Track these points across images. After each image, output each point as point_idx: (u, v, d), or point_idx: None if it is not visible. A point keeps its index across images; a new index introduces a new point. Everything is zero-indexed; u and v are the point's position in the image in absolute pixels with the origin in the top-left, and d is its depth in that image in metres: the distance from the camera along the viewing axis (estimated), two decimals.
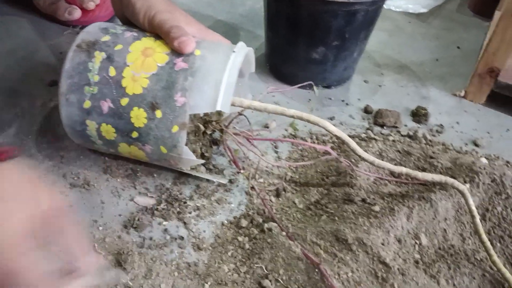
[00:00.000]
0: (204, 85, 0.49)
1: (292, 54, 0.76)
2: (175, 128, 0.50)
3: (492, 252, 0.50)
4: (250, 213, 0.57)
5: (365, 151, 0.62)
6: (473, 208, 0.51)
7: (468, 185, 0.55)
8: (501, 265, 0.49)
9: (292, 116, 0.53)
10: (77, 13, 0.87)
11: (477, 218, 0.51)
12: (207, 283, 0.48)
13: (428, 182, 0.55)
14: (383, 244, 0.49)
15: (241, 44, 0.55)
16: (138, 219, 0.54)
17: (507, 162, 0.68)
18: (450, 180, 0.52)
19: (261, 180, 0.62)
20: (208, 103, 0.49)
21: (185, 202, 0.57)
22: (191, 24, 0.55)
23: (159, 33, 0.52)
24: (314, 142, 0.69)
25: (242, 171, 0.59)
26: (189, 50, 0.50)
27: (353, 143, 0.53)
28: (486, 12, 1.06)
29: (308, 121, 0.52)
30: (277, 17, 0.74)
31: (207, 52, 0.51)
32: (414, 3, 1.12)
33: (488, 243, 0.50)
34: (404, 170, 0.53)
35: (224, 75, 0.49)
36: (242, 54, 0.53)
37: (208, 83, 0.49)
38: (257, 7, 1.07)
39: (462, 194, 0.51)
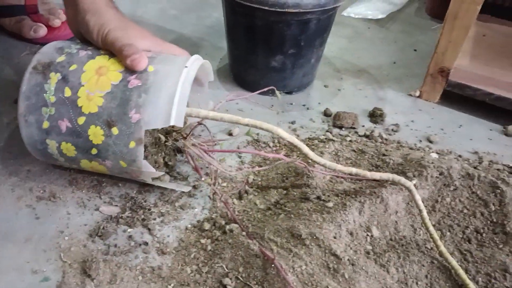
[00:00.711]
0: (158, 101, 0.51)
1: (253, 63, 0.80)
2: (132, 144, 0.51)
3: (439, 242, 0.53)
4: (213, 216, 0.59)
5: (322, 152, 0.65)
6: (420, 202, 0.54)
7: (415, 180, 0.58)
8: (448, 255, 0.52)
9: (247, 125, 0.55)
10: (42, 31, 0.89)
11: (424, 212, 0.54)
12: (170, 285, 0.50)
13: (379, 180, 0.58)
14: (335, 237, 0.51)
15: (195, 57, 0.57)
16: (103, 228, 0.56)
17: (459, 156, 0.72)
18: (396, 177, 0.55)
19: (224, 184, 0.64)
20: (162, 119, 0.51)
21: (149, 209, 0.59)
22: (146, 38, 0.57)
23: (112, 51, 0.54)
24: (276, 146, 0.72)
25: (203, 178, 0.62)
26: (141, 67, 0.52)
27: (305, 148, 0.56)
28: (442, 15, 1.11)
29: (262, 128, 0.54)
30: (236, 28, 0.77)
31: (160, 67, 0.53)
32: (373, 9, 1.16)
33: (435, 235, 0.53)
34: (353, 170, 0.56)
35: (177, 90, 0.51)
36: (195, 68, 0.54)
37: (161, 99, 0.51)
38: (223, 19, 1.10)
39: (409, 190, 0.55)
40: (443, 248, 0.53)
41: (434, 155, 0.67)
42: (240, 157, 0.70)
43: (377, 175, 0.56)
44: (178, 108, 0.51)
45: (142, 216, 0.58)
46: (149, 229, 0.57)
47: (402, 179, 0.55)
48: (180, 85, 0.51)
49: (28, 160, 0.64)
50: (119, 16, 0.57)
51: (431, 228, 0.54)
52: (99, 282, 0.50)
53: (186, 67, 0.53)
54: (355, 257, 0.50)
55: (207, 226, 0.57)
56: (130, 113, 0.51)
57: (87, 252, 0.53)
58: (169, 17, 1.10)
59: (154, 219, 0.58)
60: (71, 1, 0.56)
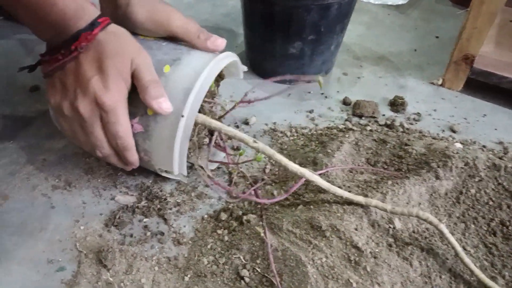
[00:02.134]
0: (160, 148, 0.51)
1: (270, 50, 0.78)
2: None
3: (477, 271, 0.48)
4: (230, 206, 0.58)
5: (342, 142, 0.63)
6: (452, 240, 0.49)
7: (445, 219, 0.54)
8: (486, 279, 0.47)
9: (256, 148, 0.52)
10: None
11: (458, 247, 0.48)
12: (187, 275, 0.49)
13: (402, 173, 0.55)
14: (356, 229, 0.50)
15: (191, 101, 0.50)
16: (119, 217, 0.55)
17: (483, 146, 0.69)
18: (425, 215, 0.49)
19: (241, 173, 0.63)
20: (168, 165, 0.52)
21: (165, 199, 0.58)
22: (173, 23, 0.55)
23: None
24: (293, 135, 0.70)
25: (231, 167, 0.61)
26: (168, 111, 0.49)
27: (317, 179, 0.52)
28: (465, 1, 1.08)
29: (272, 157, 0.52)
30: (253, 15, 0.76)
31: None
32: None
33: (471, 265, 0.48)
34: (362, 199, 0.51)
35: (176, 142, 0.49)
36: (191, 118, 0.50)
37: (163, 147, 0.51)
38: (239, 7, 1.08)
39: (439, 230, 0.49)
40: (482, 276, 0.48)
41: (459, 145, 0.64)
42: None
43: (398, 209, 0.50)
44: (180, 157, 0.51)
45: (158, 206, 0.57)
46: (165, 219, 0.56)
47: (430, 217, 0.49)
48: (178, 136, 0.49)
49: (44, 149, 0.64)
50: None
51: (472, 266, 0.48)
52: (115, 272, 0.49)
53: (182, 116, 0.49)
54: (377, 250, 0.48)
55: (223, 216, 0.56)
56: (141, 155, 0.53)
57: (102, 241, 0.53)
58: (184, 6, 1.09)
59: (170, 208, 0.57)
60: None
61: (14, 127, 0.68)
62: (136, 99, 0.49)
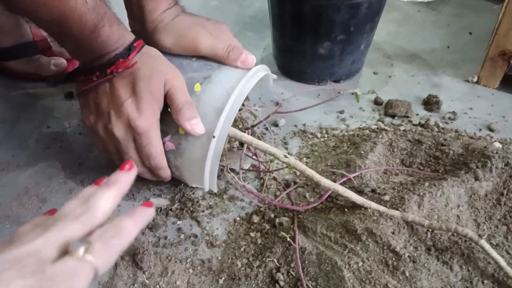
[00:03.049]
0: (191, 167, 0.52)
1: (299, 51, 0.77)
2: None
3: None
4: (261, 209, 0.57)
5: (375, 143, 0.62)
6: (495, 255, 0.46)
7: (486, 234, 0.52)
8: None
9: (286, 163, 0.53)
10: (63, 63, 0.78)
11: (502, 262, 0.46)
12: (221, 278, 0.49)
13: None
14: (393, 233, 0.48)
15: (221, 125, 0.50)
16: (153, 220, 0.56)
17: None
18: (464, 231, 0.47)
19: (272, 177, 0.62)
20: (199, 182, 0.53)
21: (197, 202, 0.58)
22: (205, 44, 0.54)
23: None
24: (323, 137, 0.69)
25: (262, 174, 0.61)
26: (201, 132, 0.49)
27: (345, 192, 0.51)
28: None
29: (295, 168, 0.53)
30: (281, 16, 0.75)
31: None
32: None
33: None
34: (398, 214, 0.49)
35: (207, 162, 0.50)
36: (223, 138, 0.50)
37: (194, 166, 0.52)
38: (266, 8, 1.07)
39: (480, 246, 0.47)
40: None
41: (498, 145, 0.62)
42: (286, 148, 0.68)
43: (436, 225, 0.48)
44: (210, 178, 0.52)
45: (191, 209, 0.58)
46: (198, 221, 0.56)
47: (470, 233, 0.46)
48: (209, 157, 0.50)
49: (80, 153, 0.66)
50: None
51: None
52: (150, 274, 0.50)
53: (214, 137, 0.49)
54: (415, 254, 0.47)
55: (256, 219, 0.56)
56: (173, 170, 0.54)
57: (137, 244, 0.53)
58: (210, 8, 1.09)
59: (203, 211, 0.57)
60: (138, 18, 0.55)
61: (50, 133, 0.70)
62: (169, 118, 0.50)
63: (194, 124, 0.48)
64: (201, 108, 0.50)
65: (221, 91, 0.51)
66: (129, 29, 0.53)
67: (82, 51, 0.48)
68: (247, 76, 0.53)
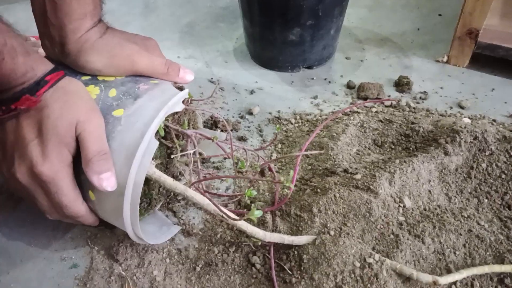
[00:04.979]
0: (112, 220, 0.47)
1: (270, 38, 0.77)
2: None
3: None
4: (237, 195, 0.57)
5: (347, 124, 0.62)
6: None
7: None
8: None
9: (196, 203, 0.47)
10: None
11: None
12: (198, 266, 0.49)
13: None
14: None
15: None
16: None
17: (493, 120, 0.68)
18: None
19: (247, 164, 0.63)
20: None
21: (173, 193, 0.58)
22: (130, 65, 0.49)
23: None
24: (298, 122, 0.70)
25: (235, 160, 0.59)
26: (109, 189, 0.42)
27: (248, 228, 0.47)
28: None
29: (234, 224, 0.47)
30: (250, 4, 0.75)
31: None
32: None
33: None
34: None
35: (125, 217, 0.44)
36: (138, 188, 0.43)
37: (113, 219, 0.47)
38: None
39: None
40: None
41: (467, 120, 0.63)
42: (261, 135, 0.68)
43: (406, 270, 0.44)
44: (134, 229, 0.46)
45: (167, 200, 0.57)
46: (174, 212, 0.56)
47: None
48: (127, 211, 0.43)
49: None
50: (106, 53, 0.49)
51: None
52: (127, 266, 0.50)
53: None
54: (388, 228, 0.48)
55: (232, 206, 0.56)
56: (100, 217, 0.48)
57: (114, 237, 0.53)
58: (182, 1, 1.08)
59: (178, 201, 0.57)
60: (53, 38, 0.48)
61: None
62: None
63: (103, 180, 0.41)
64: (114, 151, 0.43)
65: (138, 127, 0.44)
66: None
67: None
68: (165, 109, 0.46)
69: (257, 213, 0.42)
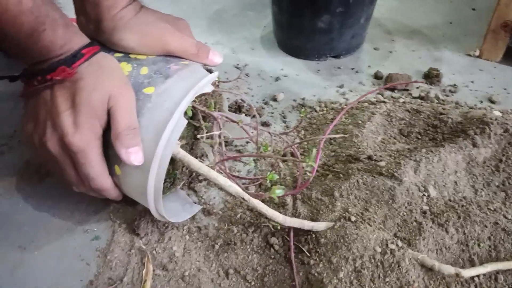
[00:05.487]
0: (135, 194, 0.47)
1: (298, 26, 0.77)
2: None
3: None
4: (259, 179, 0.57)
5: (373, 112, 0.62)
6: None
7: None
8: None
9: (218, 184, 0.47)
10: None
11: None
12: (217, 244, 0.50)
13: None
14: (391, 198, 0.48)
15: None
16: None
17: None
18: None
19: (270, 148, 0.62)
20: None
21: (195, 174, 0.59)
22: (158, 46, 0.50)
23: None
24: (322, 110, 0.69)
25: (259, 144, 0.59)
26: (137, 163, 0.43)
27: (268, 211, 0.47)
28: None
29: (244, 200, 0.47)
30: None
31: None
32: None
33: None
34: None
35: (148, 194, 0.44)
36: (164, 164, 0.44)
37: (137, 194, 0.47)
38: None
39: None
40: None
41: (497, 113, 0.61)
42: (285, 122, 0.68)
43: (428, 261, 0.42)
44: (156, 206, 0.46)
45: (189, 179, 0.58)
46: (195, 191, 0.56)
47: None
48: (151, 187, 0.44)
49: None
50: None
51: None
52: (147, 240, 0.50)
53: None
54: (411, 216, 0.47)
55: (253, 188, 0.56)
56: (124, 192, 0.49)
57: (135, 212, 0.54)
58: None
59: (200, 181, 0.58)
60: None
61: None
62: None
63: (131, 154, 0.42)
64: (143, 129, 0.44)
65: (165, 111, 0.44)
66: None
67: (21, 55, 0.42)
68: (195, 89, 0.46)
69: (278, 192, 0.41)
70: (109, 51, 0.49)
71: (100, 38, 0.49)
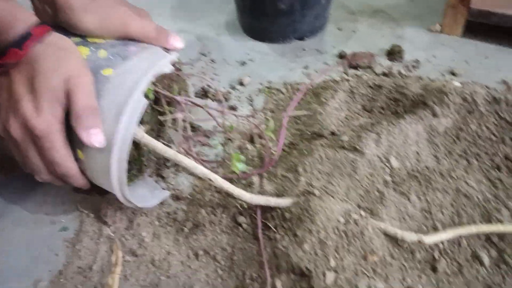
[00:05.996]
0: (99, 179, 0.47)
1: (260, 9, 0.77)
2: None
3: None
4: (226, 161, 0.58)
5: (336, 90, 0.62)
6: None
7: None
8: None
9: (184, 167, 0.47)
10: None
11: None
12: (186, 227, 0.50)
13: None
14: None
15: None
16: None
17: (486, 86, 0.67)
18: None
19: (236, 130, 0.63)
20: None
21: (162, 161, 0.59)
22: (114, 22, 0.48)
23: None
24: (288, 92, 0.69)
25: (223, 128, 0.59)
26: (98, 144, 0.42)
27: (235, 190, 0.48)
28: None
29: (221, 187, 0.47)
30: None
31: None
32: None
33: None
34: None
35: (112, 177, 0.44)
36: (125, 147, 0.43)
37: (100, 178, 0.46)
38: None
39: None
40: None
41: (457, 83, 0.63)
42: (251, 104, 0.68)
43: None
44: (121, 189, 0.45)
45: (157, 167, 0.58)
46: (163, 177, 0.56)
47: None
48: (114, 171, 0.43)
49: None
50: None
51: None
52: (116, 228, 0.50)
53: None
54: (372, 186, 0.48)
55: (221, 171, 0.56)
56: (90, 179, 0.48)
57: (104, 201, 0.53)
58: None
59: (168, 168, 0.58)
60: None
61: None
62: None
63: (92, 135, 0.41)
64: (103, 109, 0.43)
65: (127, 86, 0.44)
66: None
67: None
68: (154, 68, 0.46)
69: (240, 166, 0.42)
70: (67, 35, 0.48)
71: (57, 20, 0.48)
